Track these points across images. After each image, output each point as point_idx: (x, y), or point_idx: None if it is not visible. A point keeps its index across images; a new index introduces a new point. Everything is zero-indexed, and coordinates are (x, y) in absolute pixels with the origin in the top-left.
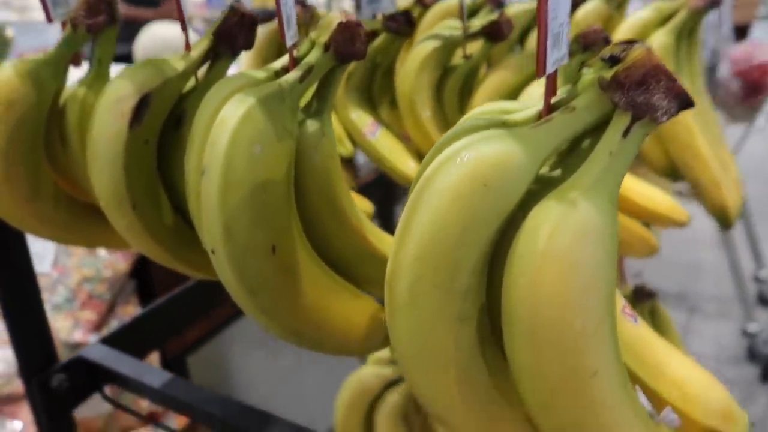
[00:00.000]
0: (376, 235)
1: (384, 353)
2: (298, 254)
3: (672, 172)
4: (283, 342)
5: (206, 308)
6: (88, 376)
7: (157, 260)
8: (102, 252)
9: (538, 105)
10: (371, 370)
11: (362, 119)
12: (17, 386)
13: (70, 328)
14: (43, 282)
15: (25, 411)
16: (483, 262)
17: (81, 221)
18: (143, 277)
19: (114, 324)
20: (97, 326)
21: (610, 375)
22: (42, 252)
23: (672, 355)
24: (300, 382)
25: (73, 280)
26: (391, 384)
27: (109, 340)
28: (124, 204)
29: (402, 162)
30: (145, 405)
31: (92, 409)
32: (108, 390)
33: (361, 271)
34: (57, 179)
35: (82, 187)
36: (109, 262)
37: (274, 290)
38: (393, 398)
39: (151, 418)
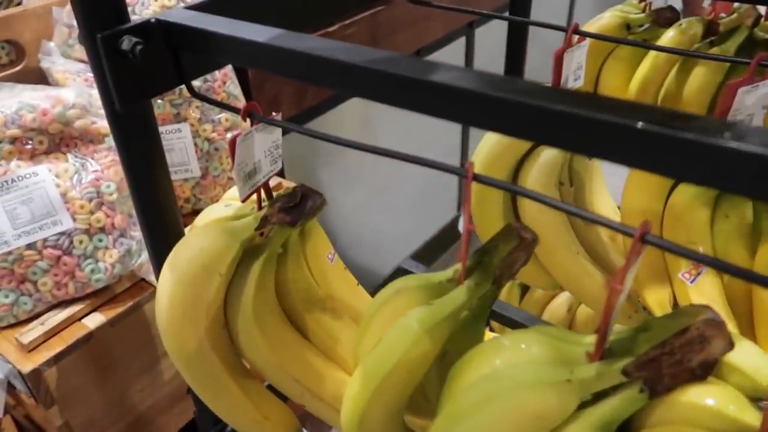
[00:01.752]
0: None
1: None
2: None
3: None
4: None
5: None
6: (166, 43)
7: None
8: None
9: None
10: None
11: None
12: (92, 121)
13: None
14: None
15: (102, 154)
16: None
17: None
18: None
19: None
20: None
21: None
22: None
23: None
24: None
25: (156, 4)
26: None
27: (195, 8)
28: None
29: None
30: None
31: (180, 171)
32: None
33: None
34: None
35: None
36: None
37: None
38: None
39: (241, 109)
